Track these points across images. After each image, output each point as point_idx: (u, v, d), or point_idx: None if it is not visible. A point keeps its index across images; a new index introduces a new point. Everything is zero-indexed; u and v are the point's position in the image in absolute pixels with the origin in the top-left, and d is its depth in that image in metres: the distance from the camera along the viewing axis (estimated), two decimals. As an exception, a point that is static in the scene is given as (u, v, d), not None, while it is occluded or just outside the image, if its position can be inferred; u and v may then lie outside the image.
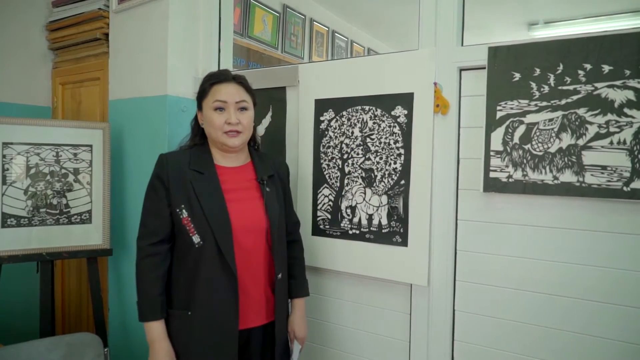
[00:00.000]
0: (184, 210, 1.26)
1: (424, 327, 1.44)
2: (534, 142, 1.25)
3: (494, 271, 1.33)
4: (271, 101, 1.75)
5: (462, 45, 1.40)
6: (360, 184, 1.52)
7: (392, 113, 1.47)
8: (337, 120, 1.57)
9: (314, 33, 3.46)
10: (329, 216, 1.59)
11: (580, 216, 1.21)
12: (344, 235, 1.56)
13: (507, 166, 1.28)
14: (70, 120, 2.26)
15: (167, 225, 1.29)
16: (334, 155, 1.58)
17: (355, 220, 1.53)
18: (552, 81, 1.22)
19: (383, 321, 1.54)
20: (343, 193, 1.56)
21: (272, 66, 1.94)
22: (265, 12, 2.98)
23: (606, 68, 1.15)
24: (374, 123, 1.50)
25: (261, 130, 1.77)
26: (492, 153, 1.30)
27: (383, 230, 1.48)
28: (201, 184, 1.28)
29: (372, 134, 1.51)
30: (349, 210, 1.55)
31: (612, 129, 1.14)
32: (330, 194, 1.59)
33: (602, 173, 1.15)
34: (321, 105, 1.61)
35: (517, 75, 1.26)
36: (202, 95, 1.34)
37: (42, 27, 2.37)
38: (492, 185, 1.30)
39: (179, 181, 1.28)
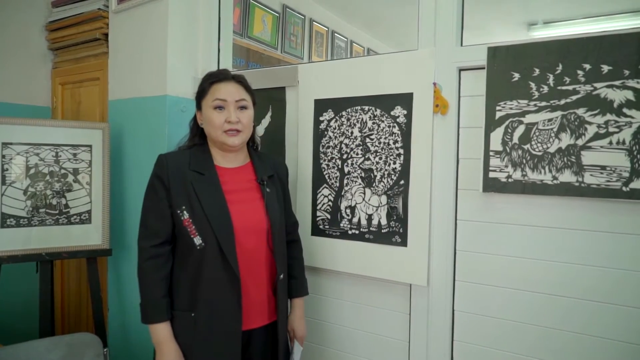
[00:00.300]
0: (184, 212, 1.26)
1: (424, 327, 1.44)
2: (533, 142, 1.25)
3: (494, 271, 1.33)
4: (271, 101, 1.75)
5: (461, 45, 1.40)
6: (360, 184, 1.52)
7: (392, 113, 1.47)
8: (336, 121, 1.58)
9: (313, 33, 3.47)
10: (329, 216, 1.59)
11: (580, 216, 1.21)
12: (344, 235, 1.56)
13: (506, 166, 1.28)
14: (69, 120, 2.26)
15: (168, 226, 1.28)
16: (333, 156, 1.58)
17: (355, 220, 1.53)
18: (551, 81, 1.22)
19: (382, 321, 1.54)
20: (342, 193, 1.56)
21: (272, 66, 1.94)
22: (265, 12, 2.98)
23: (605, 68, 1.15)
24: (373, 123, 1.50)
25: (261, 130, 1.77)
26: (491, 153, 1.30)
27: (382, 231, 1.48)
28: (202, 185, 1.27)
29: (371, 134, 1.51)
30: (348, 211, 1.55)
31: (611, 129, 1.14)
32: (329, 194, 1.59)
33: (602, 173, 1.15)
34: (321, 106, 1.61)
35: (517, 76, 1.26)
36: (201, 94, 1.34)
37: (41, 27, 2.37)
38: (491, 186, 1.30)
39: (180, 182, 1.27)
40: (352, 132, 1.54)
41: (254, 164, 1.39)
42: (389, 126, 1.47)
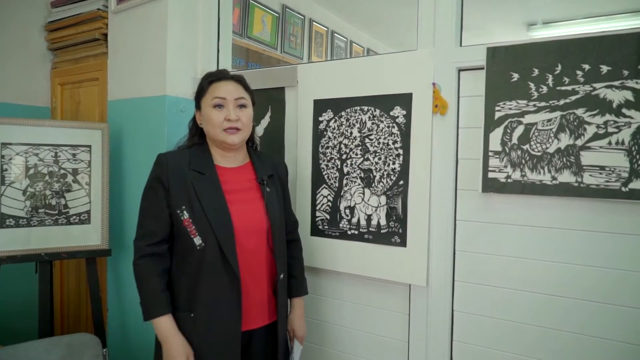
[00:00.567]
0: (184, 212, 1.25)
1: (423, 328, 1.44)
2: (532, 143, 1.25)
3: (493, 271, 1.33)
4: (270, 101, 1.75)
5: (460, 45, 1.40)
6: (359, 184, 1.52)
7: (391, 113, 1.47)
8: (335, 121, 1.57)
9: (313, 33, 3.47)
10: (328, 216, 1.59)
11: (579, 216, 1.21)
12: (343, 235, 1.56)
13: (505, 166, 1.28)
14: (69, 120, 2.26)
15: (166, 226, 1.28)
16: (332, 156, 1.58)
17: (354, 220, 1.53)
18: (550, 81, 1.22)
19: (382, 321, 1.54)
20: (342, 193, 1.56)
21: (271, 66, 1.94)
22: (265, 12, 2.98)
23: (604, 68, 1.15)
24: (372, 123, 1.50)
25: (260, 130, 1.77)
26: (490, 153, 1.30)
27: (382, 231, 1.48)
28: (202, 185, 1.27)
29: (370, 135, 1.51)
30: (347, 211, 1.55)
31: (610, 130, 1.14)
32: (329, 195, 1.59)
33: (601, 173, 1.15)
34: (320, 106, 1.61)
35: (516, 76, 1.26)
36: (200, 93, 1.34)
37: (41, 28, 2.37)
38: (490, 186, 1.30)
39: (180, 182, 1.27)
40: (351, 133, 1.54)
41: (253, 164, 1.39)
42: (388, 126, 1.47)
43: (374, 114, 1.50)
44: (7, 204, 1.77)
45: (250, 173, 1.38)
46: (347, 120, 1.55)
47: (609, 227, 1.18)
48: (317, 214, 1.61)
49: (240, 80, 1.35)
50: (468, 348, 1.39)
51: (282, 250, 1.37)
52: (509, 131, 1.28)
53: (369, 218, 1.50)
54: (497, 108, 1.29)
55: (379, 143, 1.49)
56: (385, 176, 1.48)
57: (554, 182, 1.21)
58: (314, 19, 3.47)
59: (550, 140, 1.22)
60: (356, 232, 1.53)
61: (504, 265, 1.32)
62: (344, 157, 1.56)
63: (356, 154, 1.53)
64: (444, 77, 1.39)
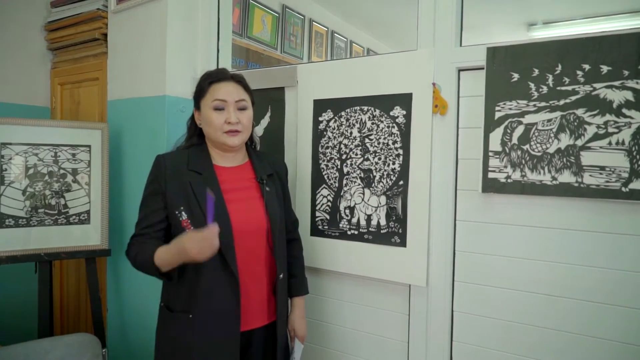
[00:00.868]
0: (182, 213, 1.25)
1: (423, 328, 1.44)
2: (532, 143, 1.24)
3: (493, 272, 1.33)
4: (270, 101, 1.75)
5: (460, 45, 1.40)
6: (359, 184, 1.52)
7: (391, 113, 1.47)
8: (335, 121, 1.57)
9: (313, 33, 3.46)
10: (328, 217, 1.59)
11: (579, 217, 1.21)
12: (343, 235, 1.56)
13: (505, 167, 1.28)
14: (69, 120, 2.26)
15: (160, 226, 1.28)
16: (332, 156, 1.58)
17: (354, 220, 1.53)
18: (550, 82, 1.21)
19: (382, 322, 1.54)
20: (342, 193, 1.56)
21: (271, 66, 1.94)
22: (265, 12, 2.98)
23: (605, 68, 1.15)
24: (372, 123, 1.50)
25: (260, 130, 1.77)
26: (490, 153, 1.30)
27: (382, 231, 1.48)
28: (200, 185, 1.26)
29: (370, 135, 1.50)
30: (347, 211, 1.55)
31: (610, 130, 1.14)
32: (329, 195, 1.59)
33: (601, 174, 1.15)
34: (320, 106, 1.61)
35: (516, 76, 1.26)
36: (200, 94, 1.33)
37: (40, 27, 2.37)
38: (490, 186, 1.30)
39: (178, 182, 1.27)
40: (351, 133, 1.54)
41: (252, 163, 1.39)
42: (388, 126, 1.47)
43: (374, 114, 1.50)
44: (6, 203, 1.76)
45: (250, 172, 1.38)
46: (347, 120, 1.55)
47: (609, 227, 1.18)
48: (317, 214, 1.61)
49: (240, 81, 1.34)
50: (468, 348, 1.39)
51: (282, 250, 1.37)
52: (509, 131, 1.28)
53: (368, 218, 1.50)
54: (497, 108, 1.29)
55: (378, 143, 1.49)
56: (385, 176, 1.47)
57: (554, 182, 1.21)
58: (314, 19, 3.47)
59: (550, 140, 1.22)
60: (356, 232, 1.53)
61: (504, 266, 1.32)
62: (343, 157, 1.56)
63: (356, 154, 1.53)
64: (444, 77, 1.38)
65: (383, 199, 1.48)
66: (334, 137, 1.58)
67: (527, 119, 1.25)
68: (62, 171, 1.87)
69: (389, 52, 1.52)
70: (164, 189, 1.26)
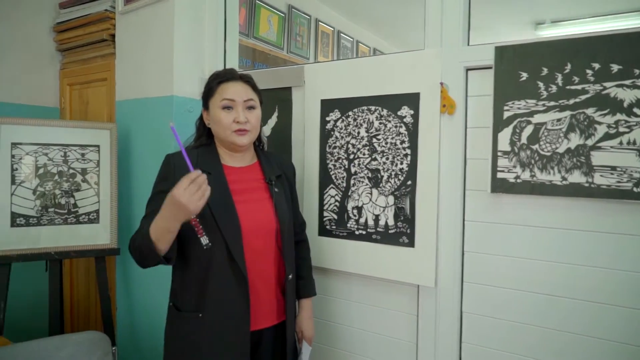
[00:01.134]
0: (191, 212, 1.25)
1: (431, 329, 1.44)
2: (542, 143, 1.24)
3: (502, 272, 1.33)
4: (277, 101, 1.75)
5: (468, 45, 1.40)
6: (367, 184, 1.52)
7: (399, 113, 1.46)
8: (343, 121, 1.57)
9: (319, 33, 3.47)
10: (335, 217, 1.59)
11: (590, 217, 1.20)
12: (351, 235, 1.56)
13: (514, 167, 1.27)
14: (78, 120, 2.28)
15: None
16: (340, 156, 1.58)
17: (362, 220, 1.53)
18: (560, 81, 1.21)
19: (390, 322, 1.54)
20: (349, 193, 1.56)
21: (278, 67, 1.94)
22: (271, 12, 2.99)
23: (615, 67, 1.14)
24: (380, 123, 1.50)
25: (267, 130, 1.77)
26: (499, 153, 1.29)
27: (390, 231, 1.48)
28: (209, 184, 1.27)
29: (378, 134, 1.50)
30: (355, 211, 1.55)
31: (621, 129, 1.13)
32: (336, 195, 1.59)
33: (612, 174, 1.14)
34: (327, 106, 1.61)
35: (525, 75, 1.26)
36: (208, 94, 1.33)
37: (49, 29, 2.39)
38: (499, 186, 1.30)
39: (186, 182, 1.27)
40: (358, 132, 1.54)
41: (261, 164, 1.39)
42: (396, 126, 1.47)
43: (382, 113, 1.50)
44: (17, 203, 1.78)
45: (258, 173, 1.38)
46: (355, 120, 1.55)
47: (620, 228, 1.17)
48: (325, 214, 1.61)
49: (248, 81, 1.34)
50: (477, 350, 1.38)
51: (290, 251, 1.37)
52: (517, 131, 1.27)
53: (376, 218, 1.50)
54: (505, 108, 1.28)
55: (386, 143, 1.49)
56: (393, 176, 1.47)
57: (564, 182, 1.20)
58: (320, 19, 3.47)
59: (560, 140, 1.21)
60: (364, 232, 1.53)
61: (514, 266, 1.31)
62: (351, 157, 1.56)
63: (364, 154, 1.53)
64: (452, 76, 1.38)
65: (391, 199, 1.47)
66: (342, 137, 1.58)
67: (537, 119, 1.24)
68: (71, 171, 1.89)
69: (397, 52, 1.51)
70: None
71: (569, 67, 1.19)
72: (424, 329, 1.46)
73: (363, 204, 1.53)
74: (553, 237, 1.25)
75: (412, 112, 1.44)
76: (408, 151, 1.45)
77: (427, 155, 1.41)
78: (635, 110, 1.12)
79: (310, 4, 3.38)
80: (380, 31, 4.18)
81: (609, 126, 1.15)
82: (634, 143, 1.12)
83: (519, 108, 1.27)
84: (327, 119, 1.61)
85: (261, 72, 1.86)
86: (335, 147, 1.59)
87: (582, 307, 1.22)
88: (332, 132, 1.60)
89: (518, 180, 1.27)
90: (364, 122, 1.53)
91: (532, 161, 1.25)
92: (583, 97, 1.18)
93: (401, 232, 1.46)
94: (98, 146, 1.94)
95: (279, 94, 1.74)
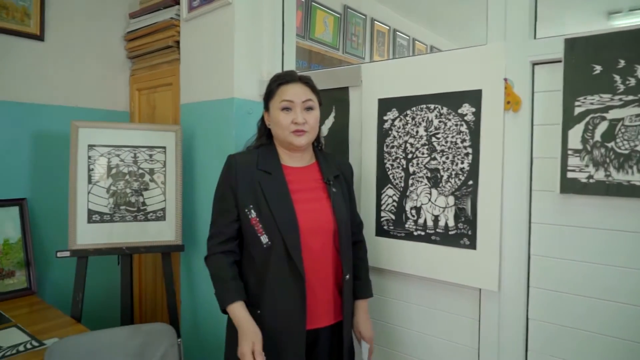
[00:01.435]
0: (252, 211, 1.29)
1: (494, 335, 1.38)
2: (618, 140, 1.15)
3: (573, 278, 1.25)
4: (334, 102, 1.76)
5: (534, 38, 1.33)
6: (426, 184, 1.49)
7: (459, 111, 1.42)
8: (401, 120, 1.55)
9: (375, 32, 3.44)
10: (393, 217, 1.57)
11: (674, 220, 1.10)
12: (409, 236, 1.53)
13: (587, 166, 1.19)
14: (146, 123, 2.42)
15: (235, 225, 1.32)
16: (398, 155, 1.56)
17: (421, 221, 1.50)
18: (639, 73, 1.12)
19: (450, 326, 1.50)
20: (407, 193, 1.53)
21: (334, 67, 1.95)
22: (327, 13, 3.01)
23: None
24: (439, 122, 1.46)
25: (324, 130, 1.78)
26: (569, 152, 1.22)
27: (450, 232, 1.44)
28: (269, 184, 1.30)
29: (437, 133, 1.47)
30: (413, 211, 1.52)
31: None
32: (394, 195, 1.57)
33: (701, 173, 1.04)
34: (384, 105, 1.59)
35: (598, 68, 1.17)
36: (269, 95, 1.37)
37: (121, 38, 2.56)
38: (570, 187, 1.22)
39: (247, 181, 1.31)
40: (417, 131, 1.51)
41: (319, 164, 1.40)
42: (456, 124, 1.43)
43: (441, 112, 1.46)
44: (93, 201, 1.92)
45: (317, 173, 1.39)
46: (413, 119, 1.52)
47: None
48: (382, 214, 1.60)
49: (307, 82, 1.36)
50: (545, 359, 1.31)
51: (348, 251, 1.37)
52: (590, 128, 1.19)
53: (436, 219, 1.47)
54: (577, 103, 1.21)
55: (446, 142, 1.45)
56: (453, 176, 1.43)
57: (644, 182, 1.11)
58: (375, 18, 3.45)
59: (639, 137, 1.12)
60: (422, 233, 1.50)
61: (586, 272, 1.23)
62: (409, 156, 1.53)
63: (422, 153, 1.50)
64: (517, 71, 1.32)
65: (451, 199, 1.43)
66: (399, 136, 1.55)
67: (612, 114, 1.16)
68: (140, 171, 2.01)
69: (457, 48, 1.47)
70: (235, 188, 1.31)
71: (650, 58, 1.10)
72: (486, 334, 1.40)
73: (422, 204, 1.50)
74: (630, 242, 1.16)
75: (473, 109, 1.39)
76: (469, 150, 1.40)
77: (490, 154, 1.36)
78: None
79: (366, 3, 3.36)
80: (438, 28, 4.08)
81: (698, 121, 1.05)
82: None
83: (591, 103, 1.19)
84: (385, 118, 1.59)
85: (319, 72, 1.88)
86: (393, 147, 1.57)
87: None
88: (390, 132, 1.58)
89: (591, 181, 1.19)
90: (422, 120, 1.50)
91: (607, 160, 1.16)
92: (667, 90, 1.08)
93: (462, 233, 1.41)
94: (164, 147, 2.05)
95: (336, 94, 1.75)
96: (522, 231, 1.32)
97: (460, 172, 1.42)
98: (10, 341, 1.55)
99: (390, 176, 1.58)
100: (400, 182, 1.55)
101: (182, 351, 1.59)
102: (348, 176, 1.47)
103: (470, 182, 1.40)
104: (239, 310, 1.25)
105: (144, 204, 1.99)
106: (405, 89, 1.54)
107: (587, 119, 1.19)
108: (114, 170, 1.97)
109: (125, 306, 2.00)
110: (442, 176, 1.46)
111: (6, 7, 2.09)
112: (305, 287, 1.26)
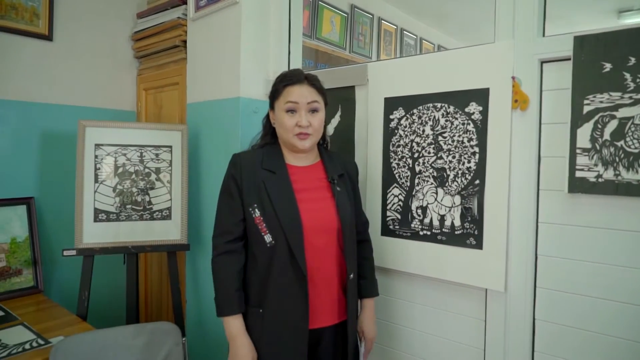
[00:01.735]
0: (256, 210, 1.29)
1: (501, 335, 1.37)
2: (628, 139, 1.13)
3: (580, 279, 1.23)
4: (340, 101, 1.75)
5: (543, 35, 1.31)
6: (432, 183, 1.48)
7: (466, 110, 1.41)
8: (407, 119, 1.54)
9: (382, 32, 3.43)
10: (399, 216, 1.56)
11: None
12: (415, 236, 1.52)
13: (595, 165, 1.17)
14: (152, 122, 2.42)
15: (241, 224, 1.32)
16: (404, 154, 1.55)
17: (426, 220, 1.49)
18: (650, 71, 1.10)
19: (455, 326, 1.48)
20: (413, 193, 1.52)
21: (341, 66, 1.94)
22: (334, 13, 3.00)
23: None
24: (446, 121, 1.45)
25: (330, 129, 1.78)
26: (578, 151, 1.20)
27: (456, 232, 1.42)
28: (273, 183, 1.30)
29: (444, 132, 1.46)
30: (419, 211, 1.51)
31: None
32: (400, 194, 1.56)
33: None
34: (391, 104, 1.58)
35: (608, 66, 1.16)
36: (274, 95, 1.36)
37: (128, 38, 2.57)
38: (578, 186, 1.20)
39: (252, 180, 1.31)
40: (423, 130, 1.50)
41: (324, 163, 1.40)
42: (463, 123, 1.41)
43: (448, 110, 1.45)
44: (100, 200, 1.93)
45: (321, 172, 1.39)
46: (419, 117, 1.51)
47: None
48: (388, 213, 1.59)
49: (314, 83, 1.34)
50: (551, 360, 1.29)
51: (352, 250, 1.36)
52: (599, 126, 1.17)
53: (442, 218, 1.45)
54: (585, 102, 1.19)
55: (453, 141, 1.44)
56: (459, 175, 1.42)
57: (655, 182, 1.09)
58: (382, 17, 3.44)
59: (650, 135, 1.10)
60: (428, 233, 1.49)
61: (594, 273, 1.21)
62: (415, 155, 1.52)
63: (429, 153, 1.49)
64: (525, 70, 1.30)
65: (457, 199, 1.42)
66: (406, 135, 1.54)
67: (622, 113, 1.14)
68: (146, 170, 2.01)
69: (464, 47, 1.45)
70: (240, 187, 1.31)
71: (661, 55, 1.08)
72: (492, 335, 1.39)
73: (428, 203, 1.49)
74: (639, 242, 1.14)
75: (480, 108, 1.38)
76: (476, 149, 1.39)
77: (497, 153, 1.35)
78: None
79: (373, 2, 3.35)
80: (446, 27, 4.05)
81: None
82: None
83: (601, 102, 1.17)
84: (391, 117, 1.58)
85: (325, 71, 1.87)
86: (399, 146, 1.56)
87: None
88: (396, 131, 1.57)
89: (600, 180, 1.17)
90: (429, 119, 1.49)
91: (617, 159, 1.15)
92: (678, 87, 1.06)
93: (468, 233, 1.40)
94: (170, 147, 2.05)
95: (342, 93, 1.74)
96: (529, 231, 1.30)
97: (466, 172, 1.40)
98: (16, 339, 1.56)
99: (396, 175, 1.57)
100: (406, 181, 1.54)
101: (186, 350, 1.59)
102: (353, 175, 1.46)
103: (477, 182, 1.38)
104: (234, 324, 1.27)
105: (150, 203, 2.00)
106: (412, 87, 1.53)
107: (596, 117, 1.18)
108: (120, 169, 1.98)
109: (131, 305, 2.01)
110: (448, 175, 1.44)
111: (15, 8, 2.11)
112: (308, 286, 1.26)
